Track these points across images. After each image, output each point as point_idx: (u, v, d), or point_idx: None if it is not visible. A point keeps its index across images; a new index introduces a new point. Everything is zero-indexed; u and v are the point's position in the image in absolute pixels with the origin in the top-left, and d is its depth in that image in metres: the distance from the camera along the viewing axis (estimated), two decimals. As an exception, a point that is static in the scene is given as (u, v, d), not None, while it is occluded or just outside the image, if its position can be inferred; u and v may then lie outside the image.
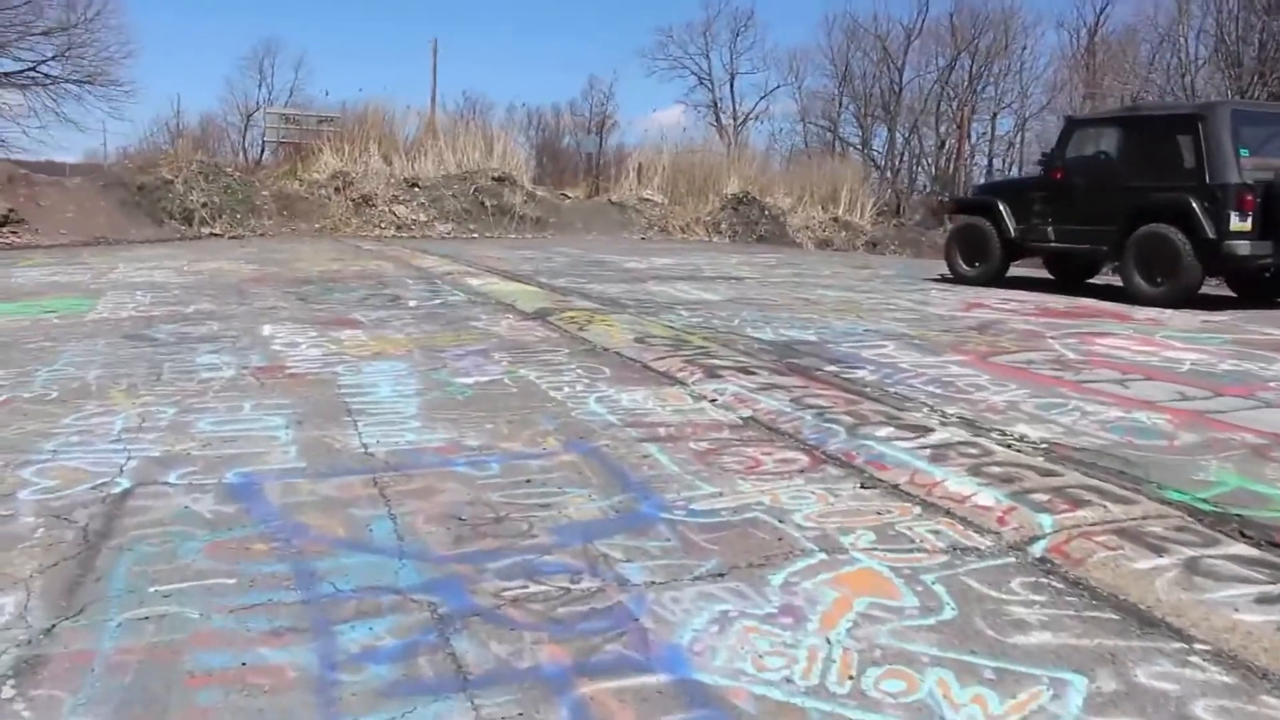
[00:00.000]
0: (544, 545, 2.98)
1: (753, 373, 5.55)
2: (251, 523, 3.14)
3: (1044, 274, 13.57)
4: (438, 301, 8.85)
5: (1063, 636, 2.47)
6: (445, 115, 28.90)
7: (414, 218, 22.64)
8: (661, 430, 4.39)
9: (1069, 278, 12.84)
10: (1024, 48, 49.57)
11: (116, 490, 3.42)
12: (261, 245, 17.62)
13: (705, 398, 5.04)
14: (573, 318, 7.50)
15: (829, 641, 2.39)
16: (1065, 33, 52.40)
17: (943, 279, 13.17)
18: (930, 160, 52.71)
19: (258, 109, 49.97)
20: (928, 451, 4.00)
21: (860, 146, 53.45)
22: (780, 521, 3.25)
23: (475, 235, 22.57)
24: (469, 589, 2.64)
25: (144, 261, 13.18)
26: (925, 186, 50.58)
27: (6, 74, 34.62)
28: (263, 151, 35.33)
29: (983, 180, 44.30)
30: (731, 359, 5.99)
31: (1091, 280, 12.95)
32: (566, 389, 5.17)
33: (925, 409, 4.95)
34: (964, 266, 12.58)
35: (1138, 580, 2.78)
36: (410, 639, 2.35)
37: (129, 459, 3.79)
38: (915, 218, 38.02)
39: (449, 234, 22.41)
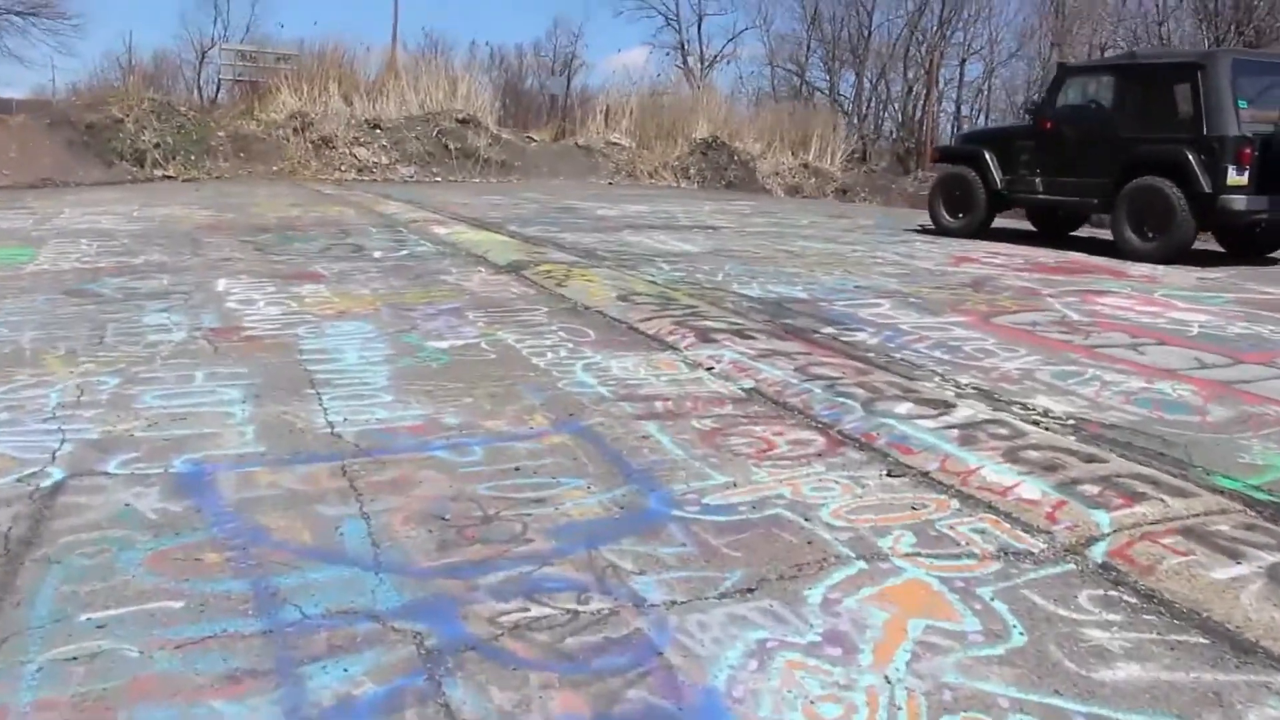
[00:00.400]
0: (542, 553, 2.59)
1: (749, 336, 5.16)
2: (203, 524, 2.72)
3: (1026, 226, 13.26)
4: (404, 253, 8.36)
5: (1152, 669, 2.13)
6: (406, 54, 27.99)
7: (375, 160, 21.92)
8: (659, 405, 4.00)
9: (1053, 230, 12.54)
10: (993, -6, 49.04)
11: (47, 483, 2.99)
12: (217, 189, 16.92)
13: (701, 365, 4.66)
14: (549, 272, 7.07)
15: (889, 680, 2.04)
16: (1035, -23, 51.79)
17: (923, 230, 12.82)
18: (898, 106, 52.28)
19: (213, 45, 48.31)
20: (954, 432, 3.65)
21: (828, 91, 52.89)
22: (806, 519, 2.89)
23: (439, 179, 21.92)
24: (460, 613, 2.26)
25: (91, 206, 12.52)
26: (892, 133, 50.16)
27: (-53, 6, 33.27)
28: (218, 90, 34.21)
29: (964, 129, 44.06)
30: (724, 320, 5.60)
31: (1074, 233, 12.67)
32: (550, 355, 4.76)
33: (936, 378, 4.60)
34: (947, 218, 12.22)
35: (1220, 594, 2.45)
36: (394, 683, 1.96)
37: (63, 442, 3.35)
38: (882, 164, 37.72)
39: (411, 177, 21.74)
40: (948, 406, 4.02)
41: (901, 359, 5.00)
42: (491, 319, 5.56)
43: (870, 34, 52.61)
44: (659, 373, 4.52)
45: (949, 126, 52.05)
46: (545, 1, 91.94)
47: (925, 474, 3.32)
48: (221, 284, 6.56)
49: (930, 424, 3.76)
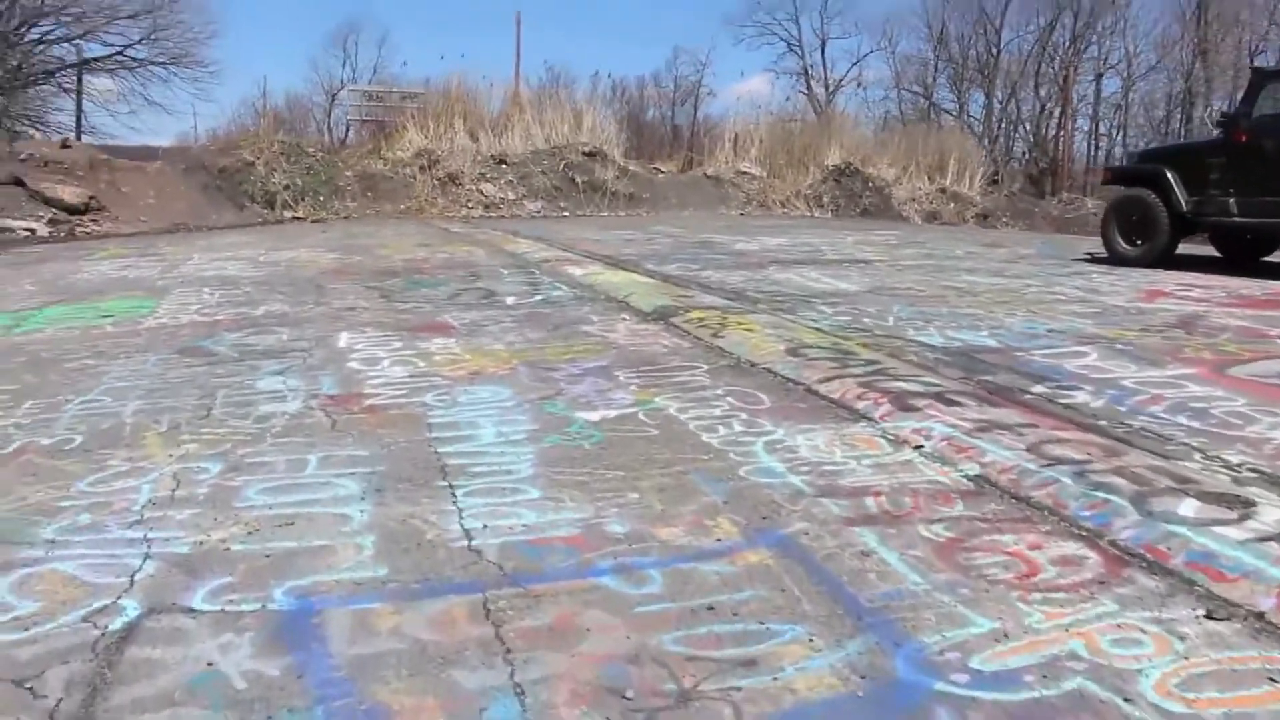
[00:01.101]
0: (773, 767, 1.80)
1: (953, 401, 4.29)
2: (304, 700, 2.02)
3: (1208, 251, 12.01)
4: (539, 298, 7.71)
5: None
6: (528, 88, 27.82)
7: (502, 196, 21.64)
8: (870, 502, 3.18)
9: (1242, 255, 11.28)
10: (1129, 3, 46.83)
11: (116, 624, 2.34)
12: (344, 229, 16.75)
13: (907, 442, 3.82)
14: (701, 319, 6.31)
15: None
16: (1175, -16, 49.19)
17: (1094, 259, 11.70)
18: (1028, 126, 50.24)
19: (342, 88, 49.43)
20: (1275, 548, 2.74)
21: (956, 113, 51.22)
22: (1126, 699, 2.04)
23: (566, 214, 21.50)
24: None
25: (220, 251, 12.32)
26: (1025, 154, 48.18)
27: (96, 59, 34.61)
28: (347, 131, 34.76)
29: (1114, 148, 41.96)
30: (915, 379, 4.74)
31: (1267, 259, 11.39)
32: (722, 429, 3.98)
33: (1197, 456, 3.67)
34: (1123, 245, 11.08)
35: None
36: None
37: (146, 558, 2.71)
38: (1015, 187, 36.08)
39: (539, 213, 21.38)
40: (1246, 506, 3.09)
41: (1143, 429, 4.07)
42: (645, 380, 4.82)
43: (999, 52, 50.95)
44: (858, 453, 3.69)
45: (1084, 145, 49.88)
46: (664, 32, 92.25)
47: (1261, 616, 2.43)
48: (344, 339, 5.99)
49: (1235, 533, 2.85)
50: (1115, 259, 11.06)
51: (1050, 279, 9.46)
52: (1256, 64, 15.70)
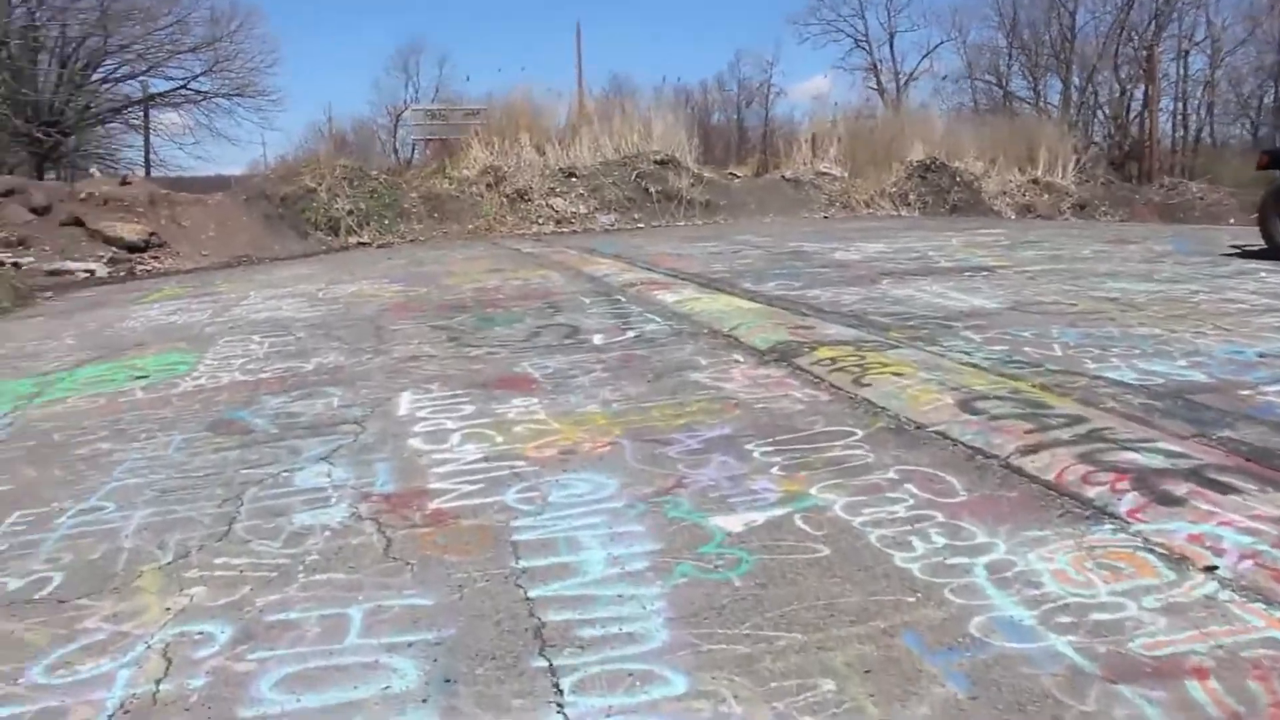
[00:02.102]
0: None
1: (1224, 486, 3.12)
2: None
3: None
4: (631, 335, 6.63)
5: None
6: (592, 98, 26.85)
7: (573, 210, 20.69)
8: (1198, 693, 2.05)
9: None
10: (1214, -26, 44.56)
11: None
12: (410, 255, 15.90)
13: (1189, 560, 2.67)
14: (833, 360, 5.18)
15: None
16: (1265, -50, 46.56)
17: (1245, 253, 10.32)
18: (1106, 111, 47.98)
19: (405, 108, 49.03)
20: None
21: (1032, 101, 49.18)
22: None
23: (640, 225, 20.48)
24: None
25: (277, 286, 11.50)
26: (1106, 138, 45.94)
27: (161, 94, 34.56)
28: (413, 152, 34.15)
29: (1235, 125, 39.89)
30: (1146, 445, 3.58)
31: None
32: (918, 544, 2.86)
33: None
34: (1287, 237, 9.70)
35: None
36: None
37: None
38: (1098, 171, 34.14)
39: (612, 226, 20.39)
40: None
41: None
42: (788, 457, 3.71)
43: (1074, 35, 48.79)
44: (1128, 584, 2.55)
45: (1167, 126, 47.61)
46: (721, 35, 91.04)
47: None
48: (405, 402, 4.99)
49: None
50: (1277, 251, 9.68)
51: (1214, 282, 8.16)
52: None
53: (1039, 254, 11.19)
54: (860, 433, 3.98)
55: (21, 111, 28.39)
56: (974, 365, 5.10)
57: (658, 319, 7.18)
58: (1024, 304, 7.25)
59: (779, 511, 3.14)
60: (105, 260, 15.35)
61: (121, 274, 14.96)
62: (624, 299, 8.43)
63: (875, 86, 50.24)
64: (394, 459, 3.99)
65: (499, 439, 4.18)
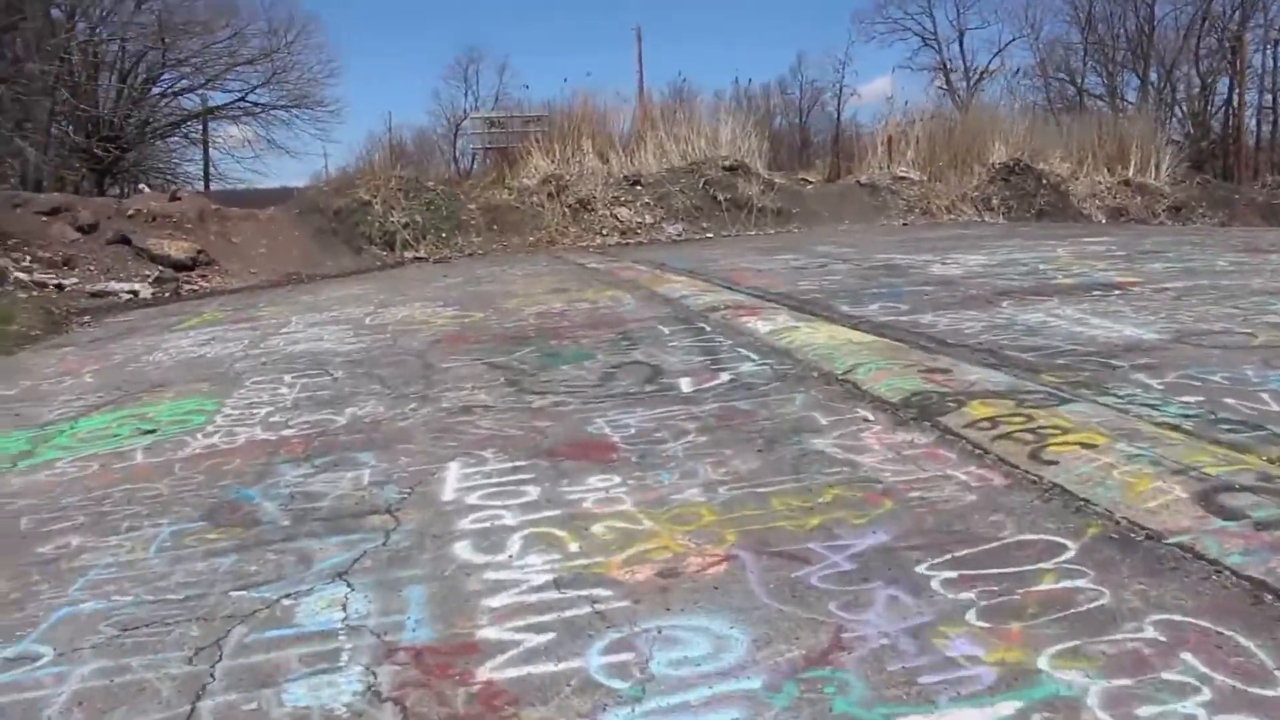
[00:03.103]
0: None
1: None
2: None
3: None
4: (726, 378, 5.53)
5: None
6: (654, 103, 25.82)
7: (639, 220, 19.67)
8: None
9: None
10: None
11: None
12: (467, 271, 14.98)
13: None
14: (992, 421, 4.05)
15: None
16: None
17: None
18: (1184, 107, 45.80)
19: (465, 117, 48.40)
20: None
21: (1108, 97, 47.20)
22: None
23: (709, 235, 19.41)
24: None
25: (323, 310, 10.61)
26: (1190, 135, 43.84)
27: (219, 107, 34.25)
28: (473, 162, 33.40)
29: None
30: None
31: None
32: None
33: None
34: None
35: None
36: None
37: None
38: (1195, 173, 32.35)
39: (680, 236, 19.34)
40: None
41: None
42: (984, 594, 2.60)
43: (1153, 29, 46.71)
44: None
45: (1253, 122, 45.48)
46: (781, 38, 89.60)
47: None
48: (452, 479, 3.97)
49: None
50: None
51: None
52: None
53: (1168, 267, 9.92)
54: (1072, 547, 2.86)
55: (82, 128, 28.14)
56: (1175, 427, 3.96)
57: (753, 356, 6.08)
58: (1188, 334, 6.06)
59: (1005, 708, 2.05)
60: (150, 280, 14.65)
61: (166, 294, 14.24)
62: (708, 327, 7.35)
63: (945, 86, 48.64)
64: (433, 579, 2.96)
65: (573, 546, 3.14)
